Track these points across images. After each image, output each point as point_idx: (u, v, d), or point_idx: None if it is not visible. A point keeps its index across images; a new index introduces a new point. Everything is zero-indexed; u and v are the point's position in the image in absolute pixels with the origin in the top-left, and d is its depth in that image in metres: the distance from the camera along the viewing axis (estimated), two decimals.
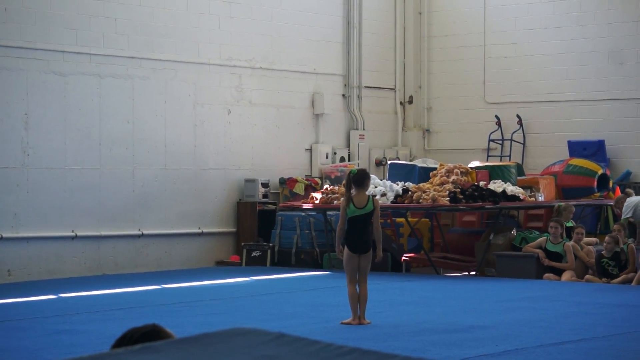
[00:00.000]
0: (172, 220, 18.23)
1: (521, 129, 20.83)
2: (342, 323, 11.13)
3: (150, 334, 3.19)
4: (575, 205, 17.52)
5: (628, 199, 16.54)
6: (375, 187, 17.18)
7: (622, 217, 16.42)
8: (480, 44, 21.36)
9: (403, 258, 17.60)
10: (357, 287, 11.17)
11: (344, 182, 13.30)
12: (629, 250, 15.52)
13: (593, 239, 16.96)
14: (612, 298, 13.57)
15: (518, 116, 20.81)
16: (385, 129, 21.95)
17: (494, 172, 17.97)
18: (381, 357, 2.58)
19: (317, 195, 17.92)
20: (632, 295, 13.89)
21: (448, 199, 16.65)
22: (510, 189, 17.05)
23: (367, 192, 11.43)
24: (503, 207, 16.99)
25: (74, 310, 12.54)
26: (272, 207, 19.17)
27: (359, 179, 11.25)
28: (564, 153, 19.84)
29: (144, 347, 2.67)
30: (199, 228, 18.63)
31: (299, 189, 19.36)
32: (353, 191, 11.25)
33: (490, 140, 21.15)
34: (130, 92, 17.65)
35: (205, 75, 18.72)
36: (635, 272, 15.32)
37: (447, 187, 16.96)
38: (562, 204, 17.22)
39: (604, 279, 15.45)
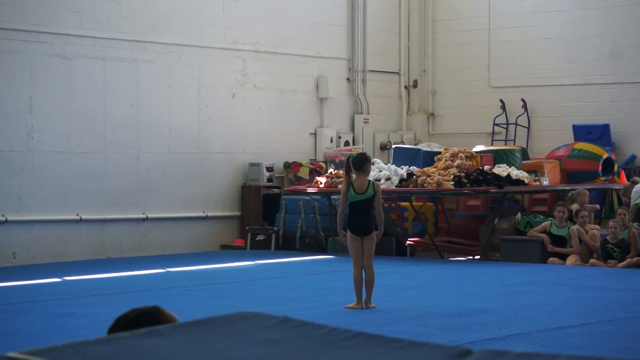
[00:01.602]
0: (177, 204, 18.23)
1: (526, 112, 20.79)
2: (347, 307, 11.13)
3: (145, 315, 3.18)
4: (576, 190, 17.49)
5: (637, 186, 16.56)
6: (380, 171, 17.16)
7: (632, 203, 16.43)
8: (484, 27, 21.31)
9: (407, 242, 17.60)
10: (363, 271, 11.17)
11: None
12: (630, 235, 15.53)
13: (595, 227, 16.91)
14: (617, 282, 13.57)
15: (523, 100, 20.77)
16: (389, 113, 21.92)
17: (499, 156, 17.95)
18: (386, 342, 2.57)
19: (322, 179, 17.91)
20: (637, 280, 13.88)
21: (452, 183, 16.64)
22: (515, 173, 17.03)
23: (370, 176, 11.38)
24: (507, 191, 16.97)
25: (78, 294, 12.56)
26: (276, 191, 19.17)
27: (359, 163, 11.17)
28: (569, 137, 19.81)
29: (149, 331, 2.67)
30: (204, 212, 18.64)
31: (304, 173, 19.35)
32: (353, 175, 11.20)
33: (494, 124, 21.12)
34: (134, 76, 17.63)
35: (209, 59, 18.70)
36: (638, 256, 15.32)
37: (452, 172, 16.94)
38: (575, 190, 17.17)
39: (609, 262, 15.44)
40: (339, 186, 16.87)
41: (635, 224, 15.97)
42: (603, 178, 18.38)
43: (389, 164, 17.91)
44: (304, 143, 20.24)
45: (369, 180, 11.29)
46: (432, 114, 22.16)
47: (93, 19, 17.06)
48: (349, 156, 11.39)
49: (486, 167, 17.10)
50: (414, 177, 17.08)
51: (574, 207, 16.70)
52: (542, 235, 16.25)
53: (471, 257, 17.37)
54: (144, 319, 3.17)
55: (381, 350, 2.54)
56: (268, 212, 18.89)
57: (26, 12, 16.30)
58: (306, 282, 13.87)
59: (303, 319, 2.73)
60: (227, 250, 18.53)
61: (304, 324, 2.69)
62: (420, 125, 22.13)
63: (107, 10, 17.23)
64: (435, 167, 17.41)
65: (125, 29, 17.47)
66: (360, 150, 18.60)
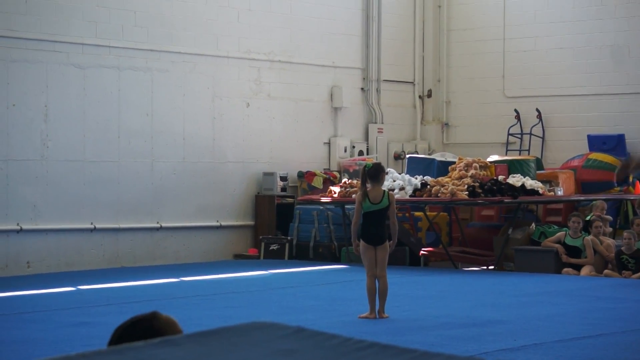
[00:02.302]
0: (191, 213, 18.25)
1: (540, 122, 20.76)
2: (360, 317, 11.12)
3: (140, 323, 3.20)
4: (593, 200, 17.45)
5: None
6: (394, 180, 17.15)
7: None
8: (499, 37, 21.29)
9: (421, 252, 17.57)
10: (376, 281, 11.15)
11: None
12: None
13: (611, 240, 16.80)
14: (632, 293, 13.51)
15: (537, 110, 20.74)
16: (404, 122, 21.91)
17: (513, 166, 17.92)
18: (400, 352, 2.57)
19: (336, 189, 17.90)
20: None
21: (467, 193, 16.61)
22: (529, 183, 16.99)
23: (383, 186, 11.39)
24: (522, 201, 16.93)
25: (92, 303, 12.58)
26: (290, 200, 19.17)
27: (374, 173, 11.20)
28: (584, 147, 19.76)
29: (164, 340, 2.67)
30: (217, 221, 18.65)
31: (317, 182, 19.35)
32: (368, 185, 11.22)
33: (509, 134, 21.09)
34: (149, 85, 17.68)
35: (224, 68, 18.73)
36: None
37: (466, 181, 16.91)
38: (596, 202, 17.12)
39: (624, 273, 15.38)
40: (353, 196, 16.86)
41: None
42: (618, 188, 18.33)
43: (402, 174, 17.89)
44: (317, 152, 20.25)
45: (384, 190, 11.31)
46: (447, 124, 22.14)
47: (108, 29, 17.12)
48: (365, 166, 11.42)
49: (500, 177, 17.07)
50: (428, 187, 17.06)
51: (593, 218, 16.61)
52: (557, 245, 16.21)
53: (485, 267, 17.32)
54: (138, 325, 3.19)
55: None
56: (282, 221, 18.89)
57: (42, 21, 16.37)
58: (320, 292, 13.86)
59: (317, 329, 2.73)
60: (241, 260, 18.53)
61: (317, 334, 2.69)
62: (435, 135, 22.11)
63: (122, 19, 17.28)
64: (449, 177, 17.39)
65: (140, 38, 17.52)
66: (375, 160, 18.60)
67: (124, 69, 17.34)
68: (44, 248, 16.44)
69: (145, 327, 3.18)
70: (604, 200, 17.62)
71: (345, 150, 20.56)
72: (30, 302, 12.88)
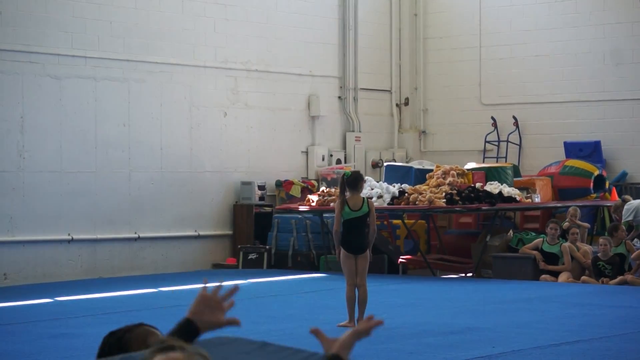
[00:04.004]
0: (169, 223, 18.21)
1: (517, 130, 20.83)
2: (339, 325, 11.11)
3: (113, 335, 3.21)
4: (569, 207, 17.51)
5: (628, 203, 16.59)
6: (372, 189, 17.17)
7: (623, 220, 16.46)
8: (475, 45, 21.36)
9: (399, 260, 17.59)
10: (355, 290, 11.16)
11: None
12: (627, 247, 15.59)
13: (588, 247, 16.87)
14: (609, 299, 13.57)
15: (514, 117, 20.81)
16: (381, 130, 21.94)
17: (490, 174, 17.97)
18: None
19: (314, 198, 17.91)
20: (629, 297, 13.89)
21: (444, 200, 16.65)
22: (507, 190, 17.04)
23: (362, 194, 11.41)
24: (499, 208, 16.98)
25: (71, 314, 12.52)
26: (268, 209, 19.16)
27: (353, 181, 11.25)
28: (560, 154, 19.84)
29: (124, 357, 2.66)
30: (196, 231, 18.61)
31: (295, 191, 19.35)
32: (347, 194, 11.25)
33: (486, 141, 21.15)
34: (126, 95, 17.64)
35: (201, 77, 18.71)
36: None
37: (444, 189, 16.95)
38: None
39: (602, 279, 15.45)
40: (331, 204, 16.87)
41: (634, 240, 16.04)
42: (594, 195, 18.41)
43: (380, 182, 17.92)
44: (295, 161, 20.24)
45: (363, 198, 11.35)
46: (424, 132, 22.18)
47: (84, 39, 17.07)
48: (344, 174, 11.45)
49: (478, 185, 17.12)
50: (406, 194, 17.09)
51: (565, 225, 16.74)
52: (534, 252, 16.26)
53: (463, 275, 17.36)
54: (113, 336, 3.20)
55: None
56: (260, 230, 18.87)
57: (17, 32, 16.31)
58: (298, 301, 13.85)
59: (282, 343, 2.72)
60: (219, 269, 18.50)
61: (282, 349, 2.69)
62: (412, 143, 22.15)
63: (98, 30, 17.24)
64: (427, 185, 17.42)
65: (116, 48, 17.49)
66: (353, 169, 18.60)
67: (101, 79, 17.30)
68: (21, 259, 16.36)
69: (117, 337, 3.19)
70: (580, 206, 17.69)
71: (323, 159, 20.57)
72: (8, 313, 12.81)
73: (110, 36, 17.41)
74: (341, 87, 21.20)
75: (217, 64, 18.93)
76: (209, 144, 18.80)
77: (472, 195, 16.70)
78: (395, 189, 17.26)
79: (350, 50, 21.15)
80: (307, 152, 20.48)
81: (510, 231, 17.48)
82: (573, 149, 19.76)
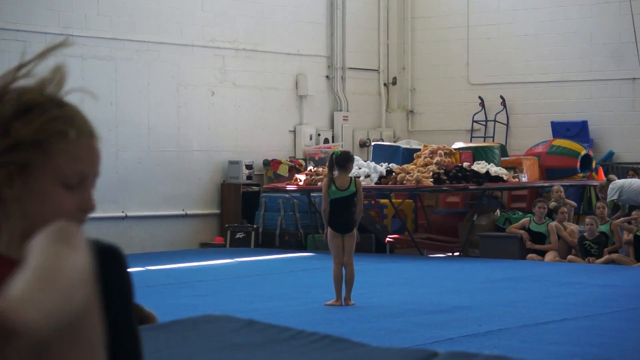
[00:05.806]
0: (156, 202, 18.20)
1: (504, 109, 20.85)
2: (326, 304, 11.15)
3: None
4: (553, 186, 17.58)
5: (613, 182, 16.64)
6: (359, 168, 17.18)
7: (608, 199, 16.51)
8: (463, 25, 21.36)
9: (387, 239, 17.63)
10: (342, 269, 11.19)
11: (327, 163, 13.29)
12: (612, 228, 15.65)
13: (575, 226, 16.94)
14: (595, 278, 13.63)
15: (501, 97, 20.83)
16: (369, 110, 21.94)
17: (478, 153, 18.00)
18: (352, 345, 2.59)
19: (301, 177, 17.91)
20: (615, 276, 13.95)
21: (432, 180, 16.67)
22: (494, 169, 17.08)
23: (350, 174, 11.42)
24: (487, 188, 17.02)
25: None
26: (256, 188, 19.16)
27: (342, 161, 11.24)
28: (548, 134, 19.88)
29: None
30: (183, 210, 18.62)
31: (283, 170, 19.35)
32: (335, 173, 11.24)
33: (473, 121, 21.18)
34: (113, 74, 17.59)
35: (188, 56, 18.67)
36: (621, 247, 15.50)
37: (431, 168, 16.98)
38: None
39: (588, 259, 15.52)
40: (319, 183, 16.88)
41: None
42: (581, 174, 18.46)
43: (368, 161, 17.93)
44: (283, 141, 20.24)
45: (351, 177, 11.35)
46: (412, 111, 22.19)
47: (71, 18, 17.00)
48: (333, 153, 11.44)
49: (465, 164, 17.14)
50: (393, 174, 17.10)
51: (552, 204, 16.78)
52: (521, 231, 16.32)
53: (450, 254, 17.41)
54: None
55: (346, 354, 2.56)
56: (247, 209, 18.88)
57: (2, 10, 16.23)
58: (286, 280, 13.88)
59: (269, 322, 2.74)
60: (207, 248, 18.52)
61: (269, 327, 2.70)
62: (400, 122, 22.16)
63: (85, 8, 17.18)
64: (415, 164, 17.44)
65: (103, 27, 17.42)
66: (341, 148, 18.61)
67: (88, 58, 17.25)
68: None
69: None
70: (566, 186, 17.74)
71: (311, 138, 20.56)
72: None
73: (97, 15, 17.35)
74: (329, 67, 21.18)
75: (204, 42, 18.88)
76: (197, 123, 18.77)
77: (460, 174, 16.73)
78: (382, 168, 17.28)
79: (338, 29, 21.12)
80: (294, 132, 20.47)
81: (497, 210, 17.53)
82: (560, 129, 19.80)
